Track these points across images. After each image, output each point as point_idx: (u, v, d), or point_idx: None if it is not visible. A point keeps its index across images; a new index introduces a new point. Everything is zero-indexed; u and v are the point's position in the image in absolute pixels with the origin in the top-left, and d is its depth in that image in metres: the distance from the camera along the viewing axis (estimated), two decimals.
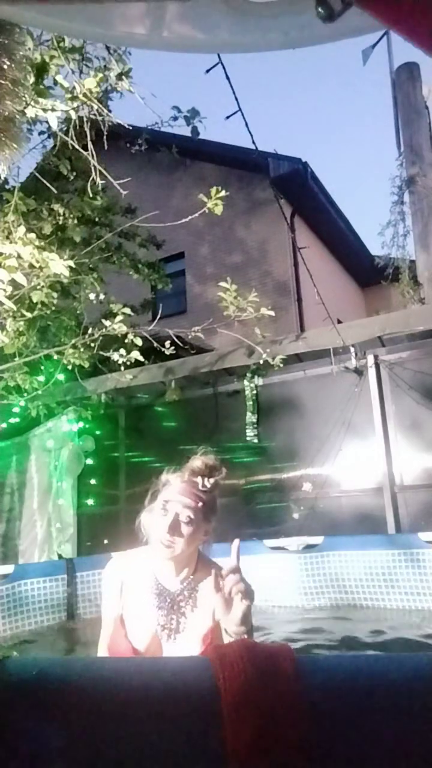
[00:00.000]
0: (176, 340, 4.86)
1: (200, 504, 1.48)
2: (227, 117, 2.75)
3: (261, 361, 4.79)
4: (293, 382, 5.07)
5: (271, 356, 4.64)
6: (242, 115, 2.71)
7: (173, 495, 1.48)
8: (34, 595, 3.46)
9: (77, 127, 3.86)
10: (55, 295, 4.15)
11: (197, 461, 1.53)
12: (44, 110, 3.19)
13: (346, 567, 3.58)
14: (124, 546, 1.70)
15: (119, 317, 4.27)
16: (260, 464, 5.10)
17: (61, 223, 4.59)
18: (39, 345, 5.02)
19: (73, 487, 5.66)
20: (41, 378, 5.09)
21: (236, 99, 2.62)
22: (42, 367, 5.17)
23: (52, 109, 3.24)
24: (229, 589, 1.22)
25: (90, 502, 5.72)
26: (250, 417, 5.06)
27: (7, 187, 4.52)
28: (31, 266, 3.43)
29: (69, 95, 3.44)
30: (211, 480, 1.52)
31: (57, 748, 0.56)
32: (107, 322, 4.30)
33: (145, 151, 5.57)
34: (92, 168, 3.98)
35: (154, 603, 1.50)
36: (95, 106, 3.63)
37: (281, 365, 4.69)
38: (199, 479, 1.50)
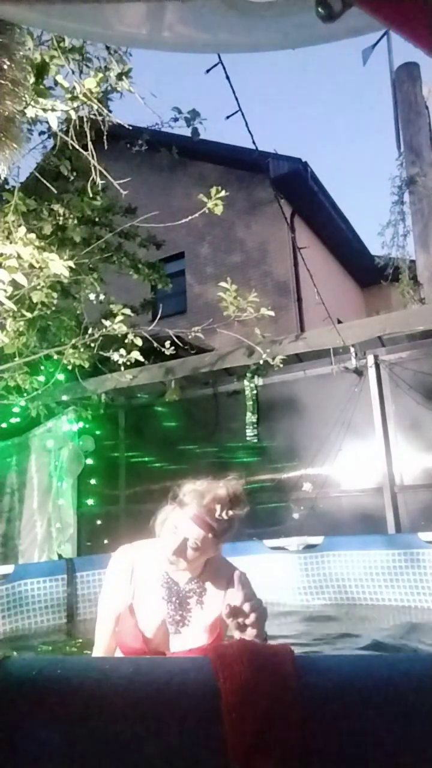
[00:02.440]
0: (176, 340, 4.86)
1: (210, 535, 1.43)
2: (227, 117, 2.75)
3: (261, 361, 4.79)
4: (293, 382, 5.07)
5: (271, 356, 4.64)
6: (242, 115, 2.72)
7: (186, 520, 1.44)
8: (34, 595, 3.46)
9: (77, 127, 3.86)
10: (55, 295, 4.14)
11: (222, 490, 1.46)
12: (44, 110, 3.19)
13: (346, 567, 3.58)
14: None
15: (119, 317, 4.27)
16: (260, 464, 5.09)
17: (61, 223, 4.58)
18: (39, 345, 5.02)
19: (73, 487, 5.66)
20: (41, 378, 5.09)
21: (236, 99, 2.62)
22: (42, 367, 5.16)
23: (52, 109, 3.24)
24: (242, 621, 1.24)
25: (90, 502, 5.72)
26: (250, 417, 5.06)
27: (7, 187, 4.52)
28: (31, 266, 3.43)
29: (69, 95, 3.44)
30: (230, 512, 1.45)
31: (57, 748, 0.56)
32: (107, 322, 4.30)
33: (145, 151, 5.57)
34: (92, 168, 3.98)
35: (163, 595, 1.51)
36: (95, 106, 3.63)
37: (281, 365, 4.68)
38: (218, 507, 1.44)
